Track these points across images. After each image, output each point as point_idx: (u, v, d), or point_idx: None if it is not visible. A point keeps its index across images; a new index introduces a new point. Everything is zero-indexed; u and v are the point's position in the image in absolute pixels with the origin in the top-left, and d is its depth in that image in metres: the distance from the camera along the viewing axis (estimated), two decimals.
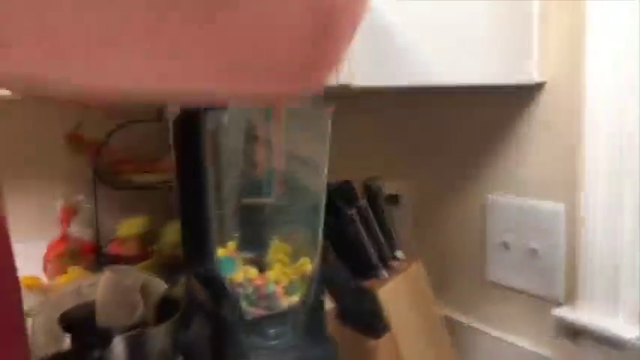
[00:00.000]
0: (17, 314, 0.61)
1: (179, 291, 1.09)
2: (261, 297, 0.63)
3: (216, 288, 0.59)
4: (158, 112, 1.49)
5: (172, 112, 0.57)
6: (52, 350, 0.90)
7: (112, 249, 1.42)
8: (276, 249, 0.66)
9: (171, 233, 1.42)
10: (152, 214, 1.53)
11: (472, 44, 0.70)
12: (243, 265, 0.62)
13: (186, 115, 0.53)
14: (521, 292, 0.85)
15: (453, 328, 0.92)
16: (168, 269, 1.29)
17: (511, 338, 0.86)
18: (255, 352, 0.62)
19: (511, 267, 0.86)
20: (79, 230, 1.51)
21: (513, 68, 0.76)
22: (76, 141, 1.57)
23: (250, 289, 0.62)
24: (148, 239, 1.46)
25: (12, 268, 0.60)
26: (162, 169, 1.40)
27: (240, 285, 0.61)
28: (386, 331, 0.83)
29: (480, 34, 0.71)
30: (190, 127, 0.54)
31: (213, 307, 0.60)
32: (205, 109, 0.54)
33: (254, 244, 0.64)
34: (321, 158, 0.62)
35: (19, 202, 1.55)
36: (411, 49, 0.65)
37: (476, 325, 0.91)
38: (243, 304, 0.61)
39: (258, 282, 0.63)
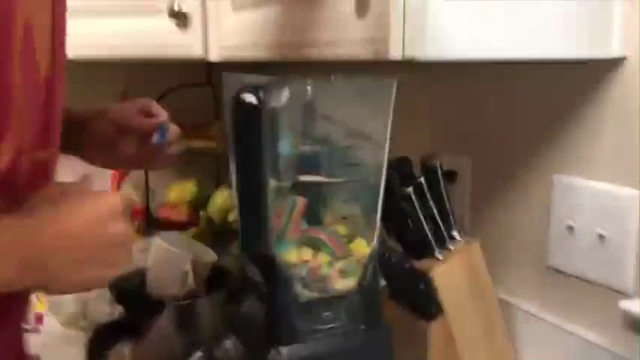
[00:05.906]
0: None
1: (229, 261, 1.08)
2: (316, 279, 0.61)
3: (271, 268, 0.57)
4: (207, 77, 1.48)
5: (226, 78, 0.54)
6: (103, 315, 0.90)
7: (162, 213, 1.43)
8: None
9: (221, 200, 1.41)
10: (200, 179, 1.53)
11: (547, 16, 0.65)
12: (298, 245, 0.60)
13: (244, 89, 0.51)
14: (584, 280, 0.81)
15: (509, 313, 0.88)
16: (218, 237, 1.29)
17: (571, 327, 0.82)
18: (309, 336, 0.60)
19: (575, 253, 0.81)
20: (129, 192, 1.52)
21: (591, 42, 0.70)
22: None
23: (305, 271, 0.60)
24: (197, 205, 1.46)
25: None
26: (210, 136, 1.39)
27: (294, 266, 0.59)
28: (439, 315, 0.80)
29: (555, 5, 0.65)
30: (249, 103, 0.51)
31: (267, 288, 0.58)
32: (266, 84, 0.51)
33: (309, 224, 0.62)
34: (382, 133, 0.59)
35: (69, 165, 1.57)
36: (482, 22, 0.61)
37: (534, 311, 0.87)
38: (297, 287, 0.59)
39: (313, 264, 0.60)
